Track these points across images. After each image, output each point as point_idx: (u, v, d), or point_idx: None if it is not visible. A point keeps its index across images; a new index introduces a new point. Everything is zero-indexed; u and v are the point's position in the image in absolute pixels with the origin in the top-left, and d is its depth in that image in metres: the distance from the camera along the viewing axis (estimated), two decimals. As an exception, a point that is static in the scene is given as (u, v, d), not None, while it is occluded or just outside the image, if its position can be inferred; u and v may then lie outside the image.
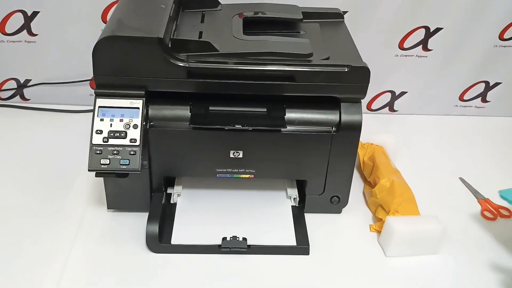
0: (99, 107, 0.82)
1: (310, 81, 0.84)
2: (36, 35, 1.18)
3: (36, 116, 1.23)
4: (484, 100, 1.34)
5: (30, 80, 1.25)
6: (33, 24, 1.17)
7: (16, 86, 1.25)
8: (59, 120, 1.22)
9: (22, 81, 1.25)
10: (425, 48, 1.24)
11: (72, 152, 1.08)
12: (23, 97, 1.27)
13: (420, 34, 1.22)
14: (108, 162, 0.80)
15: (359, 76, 0.84)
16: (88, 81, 1.24)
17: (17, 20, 1.16)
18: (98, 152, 0.80)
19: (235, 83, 0.83)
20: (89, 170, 0.81)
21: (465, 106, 1.34)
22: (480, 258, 0.90)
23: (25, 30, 1.17)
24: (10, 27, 1.17)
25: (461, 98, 1.33)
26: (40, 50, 1.20)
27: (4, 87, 1.25)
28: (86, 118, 1.19)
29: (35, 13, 1.15)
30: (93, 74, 0.82)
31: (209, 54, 0.83)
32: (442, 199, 1.03)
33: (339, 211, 0.97)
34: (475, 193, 1.06)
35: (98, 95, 0.83)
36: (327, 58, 0.86)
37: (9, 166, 1.06)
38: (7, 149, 1.11)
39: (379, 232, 0.92)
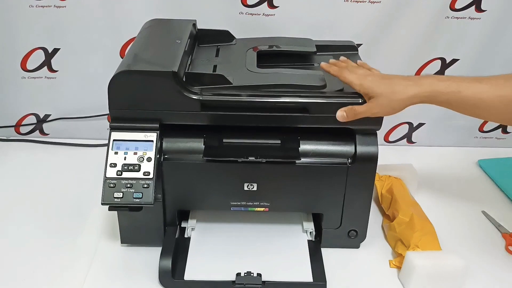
0: (114, 140, 0.83)
1: (324, 113, 0.84)
2: (56, 71, 1.21)
3: (54, 150, 1.25)
4: (504, 131, 1.32)
5: (50, 115, 1.27)
6: (53, 61, 1.20)
7: (35, 121, 1.28)
8: (77, 154, 1.24)
9: (41, 116, 1.28)
10: (442, 79, 1.23)
11: (89, 185, 1.08)
12: (42, 132, 1.29)
13: (436, 66, 1.21)
14: (121, 196, 0.80)
15: (374, 107, 0.84)
16: (106, 116, 1.26)
17: (38, 57, 1.19)
18: (111, 185, 0.80)
19: (249, 115, 0.83)
20: (102, 204, 0.81)
21: (485, 138, 1.32)
22: (506, 295, 0.86)
23: (45, 67, 1.21)
24: (31, 63, 1.20)
25: (480, 129, 1.31)
26: (60, 86, 1.23)
27: (24, 122, 1.28)
28: (104, 151, 1.20)
29: (55, 50, 1.19)
30: (109, 108, 0.83)
31: (222, 87, 0.83)
32: (464, 233, 1.00)
33: (357, 246, 0.95)
34: (499, 227, 1.02)
35: (113, 129, 0.84)
36: (341, 90, 0.86)
37: (27, 199, 1.06)
38: (26, 182, 1.12)
39: (399, 268, 0.89)
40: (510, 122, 0.82)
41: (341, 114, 0.81)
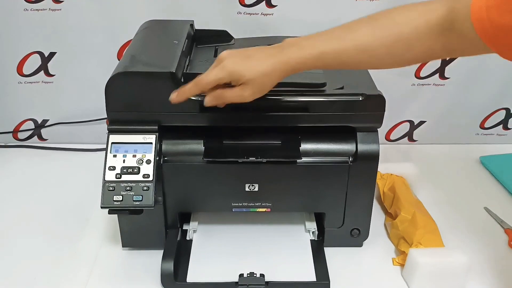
0: (112, 143, 0.82)
1: (324, 111, 0.83)
2: (53, 75, 1.20)
3: (53, 156, 1.24)
4: (505, 128, 1.31)
5: (48, 120, 1.26)
6: (50, 65, 1.19)
7: (33, 127, 1.27)
8: (76, 159, 1.23)
9: (39, 122, 1.27)
10: (442, 76, 1.22)
11: (88, 190, 1.07)
12: (40, 137, 1.28)
13: (437, 62, 1.20)
14: (121, 199, 0.79)
15: (375, 105, 0.83)
16: (105, 120, 1.25)
17: (35, 62, 1.18)
18: (111, 188, 0.80)
19: (248, 115, 0.82)
20: (102, 207, 0.80)
21: (486, 134, 1.31)
22: (512, 292, 0.85)
23: (42, 71, 1.20)
24: (28, 68, 1.19)
25: (481, 126, 1.30)
26: (57, 90, 1.22)
27: (22, 128, 1.27)
28: (103, 156, 1.19)
29: (52, 54, 1.18)
30: (106, 110, 0.82)
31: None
32: (466, 229, 1.00)
33: (360, 244, 0.94)
34: (501, 222, 1.01)
35: (111, 131, 0.83)
36: (342, 88, 0.85)
37: (26, 205, 1.05)
38: (25, 188, 1.11)
39: (402, 265, 0.89)
40: (382, 66, 0.77)
41: (208, 100, 0.75)
